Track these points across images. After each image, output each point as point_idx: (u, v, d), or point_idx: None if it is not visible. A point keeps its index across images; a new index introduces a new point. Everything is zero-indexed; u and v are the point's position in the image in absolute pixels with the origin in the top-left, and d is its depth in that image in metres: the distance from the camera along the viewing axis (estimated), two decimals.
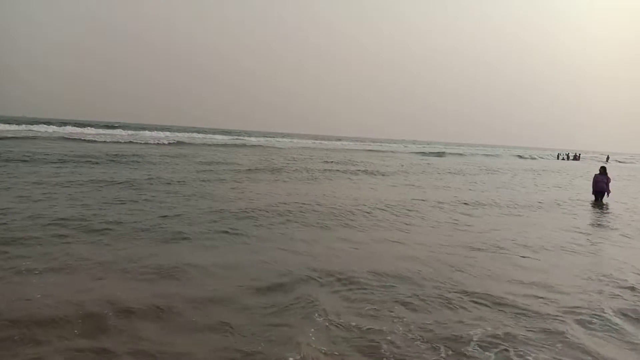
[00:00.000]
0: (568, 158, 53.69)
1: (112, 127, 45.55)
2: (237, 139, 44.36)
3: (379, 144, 66.30)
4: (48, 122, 38.54)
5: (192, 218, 7.12)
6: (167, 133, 41.21)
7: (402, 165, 24.39)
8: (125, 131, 38.70)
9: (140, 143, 28.23)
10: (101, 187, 9.77)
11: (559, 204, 11.87)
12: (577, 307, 4.24)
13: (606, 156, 61.28)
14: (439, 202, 10.67)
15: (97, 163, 14.74)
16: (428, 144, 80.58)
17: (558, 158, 55.24)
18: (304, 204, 9.10)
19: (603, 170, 12.97)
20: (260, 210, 8.07)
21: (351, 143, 59.38)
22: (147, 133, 38.68)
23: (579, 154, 56.21)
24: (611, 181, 12.94)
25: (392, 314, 3.86)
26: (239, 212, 7.81)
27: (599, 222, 9.95)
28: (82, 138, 27.43)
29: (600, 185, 12.74)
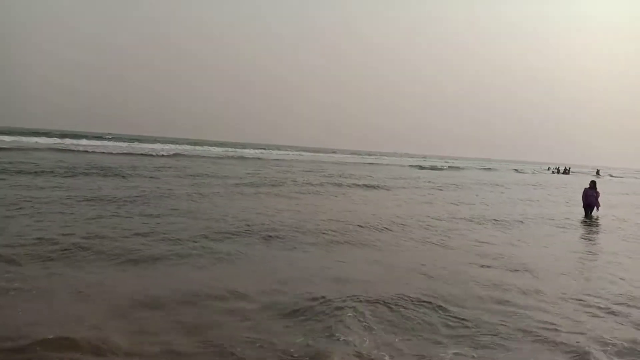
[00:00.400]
0: (558, 172, 54.54)
1: (105, 138, 45.34)
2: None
3: (374, 156, 66.60)
4: (37, 133, 38.36)
5: (182, 235, 6.93)
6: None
7: (403, 179, 24.49)
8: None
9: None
10: (93, 199, 9.58)
11: (551, 219, 11.93)
12: (556, 325, 4.21)
13: (596, 170, 62.05)
14: (437, 218, 10.66)
15: (94, 175, 14.50)
16: (423, 159, 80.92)
17: (548, 170, 57.03)
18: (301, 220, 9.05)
19: (593, 184, 13.09)
20: (253, 226, 8.00)
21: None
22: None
23: (569, 168, 57.01)
24: (600, 195, 13.07)
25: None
26: (233, 229, 7.68)
27: (588, 237, 10.03)
28: (76, 149, 27.18)
29: (590, 199, 12.83)
